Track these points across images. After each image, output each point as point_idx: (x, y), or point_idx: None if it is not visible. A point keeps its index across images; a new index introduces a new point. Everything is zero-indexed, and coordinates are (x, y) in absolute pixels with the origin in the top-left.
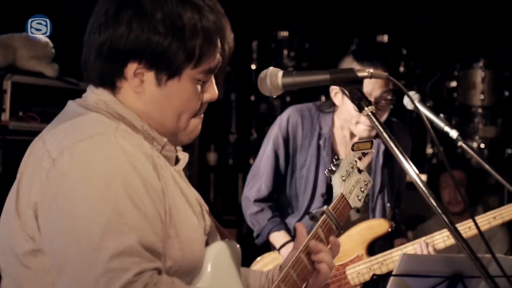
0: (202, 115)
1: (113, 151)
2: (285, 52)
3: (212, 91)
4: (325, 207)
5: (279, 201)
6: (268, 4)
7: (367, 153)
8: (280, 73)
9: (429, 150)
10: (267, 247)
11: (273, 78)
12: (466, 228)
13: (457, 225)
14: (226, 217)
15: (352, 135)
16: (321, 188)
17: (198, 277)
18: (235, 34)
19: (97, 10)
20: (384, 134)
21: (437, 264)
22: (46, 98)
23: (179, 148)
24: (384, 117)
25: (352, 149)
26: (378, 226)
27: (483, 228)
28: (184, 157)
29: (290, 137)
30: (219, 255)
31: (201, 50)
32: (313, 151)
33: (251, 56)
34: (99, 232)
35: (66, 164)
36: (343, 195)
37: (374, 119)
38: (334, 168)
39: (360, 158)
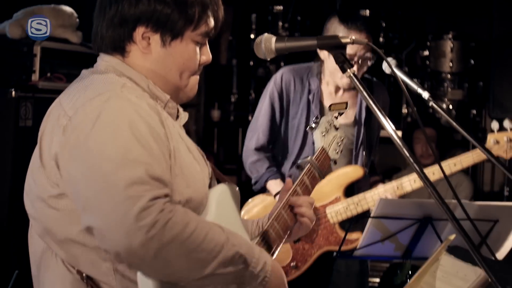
0: (198, 77)
1: (120, 102)
2: (280, 23)
3: (208, 54)
4: (309, 157)
5: (274, 149)
6: None
7: (343, 112)
8: (274, 38)
9: (404, 110)
10: (262, 191)
11: (267, 43)
12: (431, 173)
13: (426, 169)
14: (228, 166)
15: (336, 89)
16: (311, 136)
17: (203, 213)
18: (238, 8)
19: None
20: (364, 92)
21: (409, 208)
22: (71, 61)
23: (181, 109)
24: (362, 72)
25: (329, 109)
26: (353, 171)
27: (446, 173)
28: (184, 115)
29: (284, 92)
30: (222, 195)
31: (199, 16)
32: (303, 104)
33: (251, 27)
34: (112, 169)
35: (79, 120)
36: (324, 148)
37: (355, 80)
38: (314, 126)
39: (336, 117)
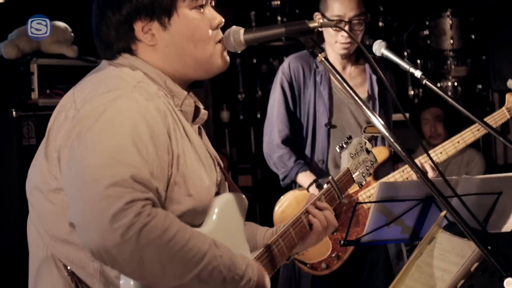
0: (222, 45)
1: (127, 102)
2: (279, 18)
3: (216, 16)
4: (330, 177)
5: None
6: None
7: (377, 136)
8: (242, 30)
9: (411, 91)
10: (280, 189)
11: (236, 36)
12: (438, 153)
13: (431, 151)
14: (242, 165)
15: (343, 67)
16: (323, 119)
17: (204, 222)
18: (236, 8)
19: None
20: (338, 76)
21: (411, 189)
22: (69, 76)
23: (201, 106)
24: (359, 37)
25: (364, 132)
26: (379, 153)
27: (451, 152)
28: (204, 115)
29: (294, 79)
30: (225, 205)
31: None
32: (312, 87)
33: (250, 25)
34: (99, 166)
35: (86, 114)
36: (349, 170)
37: (326, 63)
38: (344, 146)
39: (370, 140)
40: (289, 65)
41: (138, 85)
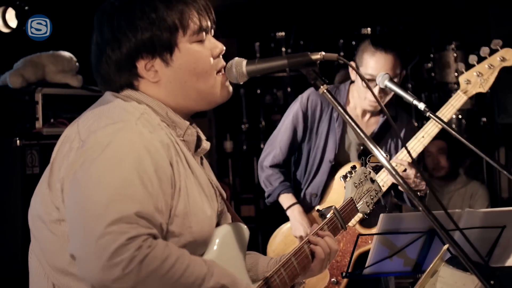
0: (224, 76)
1: (131, 135)
2: (283, 49)
3: (217, 45)
4: (333, 206)
5: (294, 162)
6: (266, 10)
7: (382, 166)
8: (244, 62)
9: (415, 124)
10: (283, 220)
11: (238, 67)
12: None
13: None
14: (245, 195)
15: (363, 114)
16: (329, 155)
17: (205, 253)
18: (241, 39)
19: (95, 33)
20: (340, 109)
21: (413, 221)
22: (73, 105)
23: (203, 137)
24: (389, 96)
25: (369, 161)
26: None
27: (420, 148)
28: (206, 145)
29: (309, 112)
30: (226, 236)
31: (180, 20)
32: (326, 122)
33: (255, 55)
34: (105, 202)
35: (90, 145)
36: (352, 199)
37: (329, 96)
38: (348, 175)
39: (374, 170)
40: (308, 97)
41: (142, 117)
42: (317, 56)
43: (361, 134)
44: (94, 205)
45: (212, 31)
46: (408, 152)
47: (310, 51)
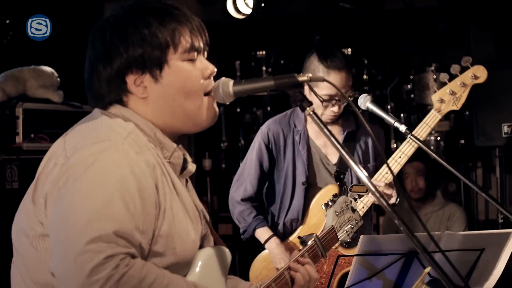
0: (213, 99)
1: (117, 154)
2: (264, 68)
3: (207, 66)
4: (314, 234)
5: (266, 196)
6: (246, 28)
7: (363, 195)
8: (231, 82)
9: (393, 145)
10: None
11: (225, 87)
12: (385, 173)
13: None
14: (222, 214)
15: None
16: (300, 178)
17: (187, 275)
18: (221, 57)
19: (88, 49)
20: (326, 131)
21: (393, 243)
22: (54, 121)
23: (189, 159)
24: (341, 109)
25: (350, 190)
26: (332, 189)
27: (397, 168)
28: (191, 167)
29: (272, 142)
30: (209, 259)
31: (171, 37)
32: (290, 147)
33: (235, 74)
34: (85, 220)
35: (75, 162)
36: (333, 228)
37: (315, 118)
38: (330, 203)
39: (355, 199)
40: (268, 128)
41: (129, 137)
42: (303, 77)
43: (345, 154)
44: (74, 222)
45: (205, 53)
46: (390, 169)
47: (291, 70)
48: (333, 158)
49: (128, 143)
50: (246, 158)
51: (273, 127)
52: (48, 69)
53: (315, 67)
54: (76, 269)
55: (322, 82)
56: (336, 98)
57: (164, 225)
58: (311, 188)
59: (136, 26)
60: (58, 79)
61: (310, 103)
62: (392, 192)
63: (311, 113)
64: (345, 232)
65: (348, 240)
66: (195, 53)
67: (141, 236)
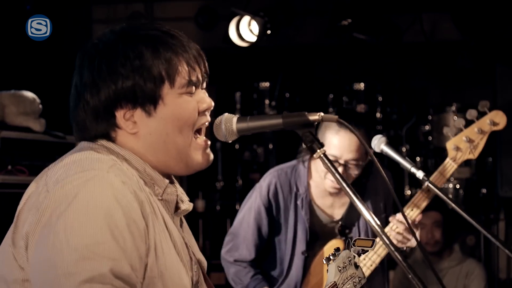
0: (206, 139)
1: (101, 185)
2: (267, 101)
3: (205, 100)
4: None
5: (263, 262)
6: (249, 57)
7: (367, 251)
8: (235, 118)
9: (408, 191)
10: None
11: (228, 124)
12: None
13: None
14: (215, 261)
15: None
16: (301, 247)
17: None
18: (221, 87)
19: (75, 73)
20: (338, 176)
21: None
22: (34, 152)
23: (185, 198)
24: (351, 177)
25: (353, 245)
26: (332, 246)
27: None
28: (187, 206)
29: (273, 204)
30: None
31: (167, 71)
32: (292, 211)
33: (235, 106)
34: (74, 260)
35: (56, 197)
36: (336, 284)
37: (326, 161)
38: (332, 258)
39: (359, 254)
40: (268, 188)
41: (114, 166)
42: (315, 117)
43: (360, 205)
44: (62, 263)
45: (204, 84)
46: (405, 217)
47: (297, 104)
48: (338, 217)
49: (114, 172)
50: (242, 217)
51: (273, 185)
52: (29, 94)
53: (328, 123)
54: None
55: (331, 140)
56: (341, 161)
57: (155, 264)
58: (311, 258)
59: (126, 56)
60: (40, 106)
61: (322, 145)
62: (411, 237)
63: (322, 155)
64: None
65: None
66: (193, 87)
67: (135, 275)
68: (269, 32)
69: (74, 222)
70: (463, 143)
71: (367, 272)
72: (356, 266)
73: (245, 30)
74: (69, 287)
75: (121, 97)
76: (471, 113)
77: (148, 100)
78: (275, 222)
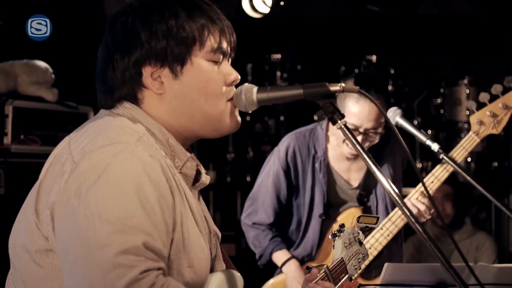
0: (234, 106)
1: (131, 159)
2: (278, 73)
3: (232, 72)
4: (325, 265)
5: (281, 224)
6: (261, 29)
7: (371, 228)
8: (255, 89)
9: (419, 164)
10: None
11: (248, 94)
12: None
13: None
14: (225, 232)
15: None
16: (318, 209)
17: None
18: (232, 59)
19: (105, 35)
20: (358, 147)
21: (421, 273)
22: (46, 121)
23: (203, 170)
24: (368, 145)
25: (358, 221)
26: (351, 214)
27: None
28: (205, 179)
29: (291, 167)
30: (221, 285)
31: (199, 32)
32: (310, 175)
33: (246, 78)
34: (107, 232)
35: (85, 168)
36: (343, 260)
37: (347, 132)
38: (337, 234)
39: (363, 231)
40: (286, 151)
41: (142, 139)
42: (336, 87)
43: (379, 175)
44: (95, 235)
45: (230, 59)
46: (426, 189)
47: (308, 76)
48: (355, 182)
49: (142, 145)
50: (261, 181)
51: (291, 148)
52: (42, 64)
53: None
54: (106, 287)
55: (350, 111)
56: (361, 130)
57: (180, 239)
58: (328, 221)
59: (162, 15)
60: (53, 75)
61: (342, 116)
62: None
63: (342, 126)
64: (352, 266)
65: (355, 275)
66: (221, 56)
67: (166, 249)
68: (282, 3)
69: (106, 194)
70: (487, 117)
71: (383, 242)
72: (360, 243)
73: (258, 1)
74: (103, 259)
75: (151, 55)
76: (496, 88)
77: (177, 60)
78: (293, 186)
